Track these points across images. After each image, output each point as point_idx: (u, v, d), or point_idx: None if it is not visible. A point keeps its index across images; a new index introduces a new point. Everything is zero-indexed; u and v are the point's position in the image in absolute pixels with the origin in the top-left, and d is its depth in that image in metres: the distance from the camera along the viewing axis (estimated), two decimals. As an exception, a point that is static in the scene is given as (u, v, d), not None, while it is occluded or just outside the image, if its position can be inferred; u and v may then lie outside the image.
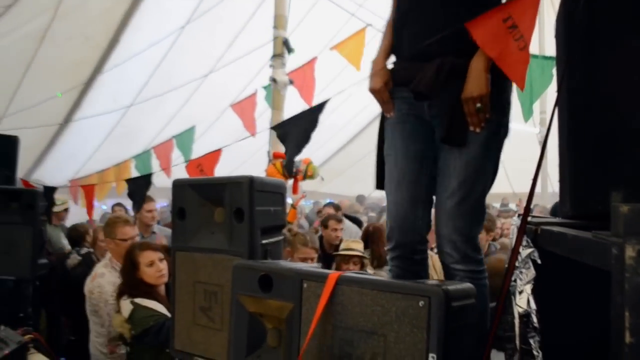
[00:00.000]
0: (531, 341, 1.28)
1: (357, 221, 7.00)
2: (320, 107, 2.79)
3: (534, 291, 1.32)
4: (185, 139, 7.05)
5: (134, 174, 7.32)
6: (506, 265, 1.48)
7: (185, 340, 1.72)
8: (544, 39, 8.78)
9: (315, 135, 3.56)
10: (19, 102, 8.33)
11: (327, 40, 7.94)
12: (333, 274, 1.18)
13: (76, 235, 5.47)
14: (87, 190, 6.33)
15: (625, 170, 1.24)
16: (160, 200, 7.17)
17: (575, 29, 1.39)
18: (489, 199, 2.04)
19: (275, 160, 5.21)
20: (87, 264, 4.51)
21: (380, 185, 2.17)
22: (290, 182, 5.11)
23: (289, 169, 2.94)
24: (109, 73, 8.81)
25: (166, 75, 9.27)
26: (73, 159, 10.45)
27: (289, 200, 5.11)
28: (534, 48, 1.89)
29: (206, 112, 9.79)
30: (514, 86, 2.00)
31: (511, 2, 1.83)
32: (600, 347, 1.06)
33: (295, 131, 2.87)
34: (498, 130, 1.94)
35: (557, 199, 1.75)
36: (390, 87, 2.10)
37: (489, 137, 1.90)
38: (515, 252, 1.35)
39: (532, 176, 1.46)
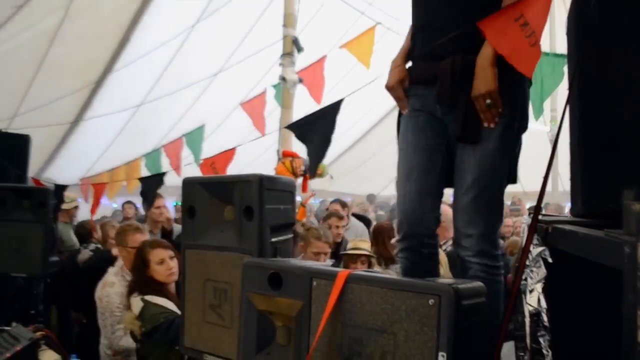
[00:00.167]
0: (541, 340, 1.27)
1: (365, 220, 6.97)
2: (335, 107, 2.78)
3: (544, 290, 1.31)
4: (195, 137, 7.08)
5: (144, 172, 7.35)
6: (517, 264, 1.47)
7: (195, 337, 1.73)
8: (555, 37, 8.73)
9: (325, 134, 3.57)
10: (30, 102, 8.40)
11: (337, 39, 7.93)
12: (343, 272, 1.18)
13: (83, 232, 5.52)
14: (98, 188, 6.37)
15: (637, 168, 1.23)
16: (170, 198, 7.21)
17: (587, 26, 1.38)
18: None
19: (285, 158, 5.22)
20: (98, 257, 4.54)
21: None
22: (300, 180, 5.12)
23: (312, 172, 2.93)
24: (119, 72, 8.86)
25: (176, 74, 9.31)
26: (84, 158, 10.52)
27: (299, 199, 5.11)
28: (544, 45, 1.88)
29: (216, 110, 9.81)
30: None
31: (523, 0, 1.82)
32: (612, 347, 1.05)
33: (314, 133, 2.86)
34: (512, 124, 1.92)
35: (567, 197, 1.74)
36: (406, 85, 2.14)
37: (502, 132, 1.89)
38: (525, 250, 1.34)
39: (542, 175, 1.45)
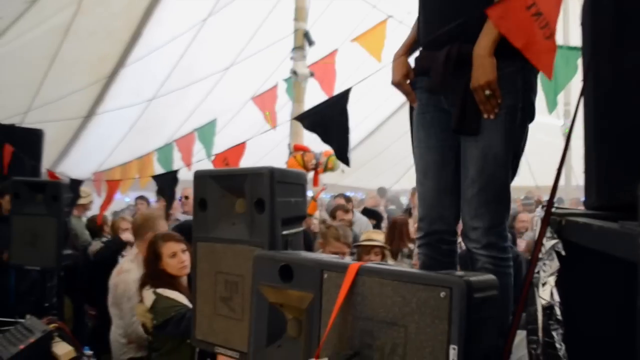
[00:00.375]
0: (554, 334, 1.26)
1: (376, 215, 6.96)
2: (344, 97, 2.77)
3: (557, 283, 1.30)
4: (206, 132, 7.09)
5: (157, 166, 7.38)
6: (530, 257, 1.46)
7: (206, 330, 1.73)
8: (568, 29, 8.64)
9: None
10: (44, 97, 8.46)
11: (348, 32, 7.89)
12: (354, 264, 1.18)
13: (94, 226, 5.57)
14: (111, 185, 6.40)
15: (653, 160, 1.22)
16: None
17: (602, 17, 1.36)
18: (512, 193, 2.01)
19: (296, 152, 5.22)
20: (109, 247, 4.58)
21: None
22: (311, 174, 5.11)
23: (344, 161, 2.92)
24: (131, 67, 8.90)
25: (188, 69, 9.33)
26: (96, 152, 10.59)
27: (310, 193, 5.11)
28: (558, 38, 1.85)
29: (227, 105, 9.83)
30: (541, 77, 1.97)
31: None
32: (626, 340, 1.04)
33: (326, 123, 2.84)
34: (514, 115, 1.88)
35: (581, 191, 1.72)
36: (411, 78, 2.13)
37: (505, 123, 1.86)
38: (538, 243, 1.33)
39: (555, 169, 1.44)
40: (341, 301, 1.15)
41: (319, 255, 1.47)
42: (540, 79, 2.01)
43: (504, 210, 1.94)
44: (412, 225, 4.79)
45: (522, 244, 5.99)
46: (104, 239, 5.19)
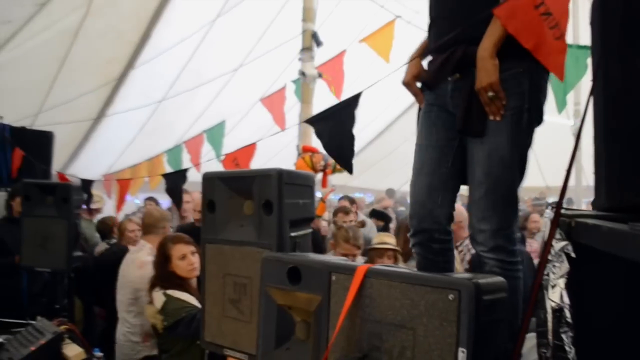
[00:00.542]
0: (564, 336, 1.25)
1: (384, 217, 6.93)
2: (355, 101, 2.77)
3: (567, 285, 1.29)
4: (215, 133, 7.12)
5: (166, 168, 7.41)
6: (539, 260, 1.45)
7: (215, 331, 1.73)
8: (578, 28, 8.58)
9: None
10: (54, 99, 8.51)
11: (356, 33, 7.88)
12: (362, 266, 1.18)
13: (104, 228, 5.60)
14: (122, 185, 6.43)
15: (664, 161, 1.20)
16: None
17: (612, 16, 1.35)
18: (521, 193, 1.99)
19: (305, 154, 5.21)
20: (114, 249, 4.60)
21: None
22: (319, 176, 5.11)
23: (348, 168, 2.92)
24: (140, 69, 8.93)
25: (196, 70, 9.36)
26: (106, 154, 10.64)
27: (319, 194, 5.11)
28: (567, 37, 1.84)
29: (236, 106, 9.84)
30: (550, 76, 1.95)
31: None
32: (636, 343, 1.03)
33: (334, 128, 2.84)
34: (520, 116, 1.86)
35: (591, 192, 1.70)
36: (421, 79, 2.16)
37: (511, 124, 1.84)
38: (548, 245, 1.32)
39: (565, 169, 1.42)
40: (349, 303, 1.15)
41: (326, 257, 1.47)
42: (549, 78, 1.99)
43: (512, 212, 1.92)
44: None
45: (534, 244, 5.95)
46: (111, 241, 5.22)
